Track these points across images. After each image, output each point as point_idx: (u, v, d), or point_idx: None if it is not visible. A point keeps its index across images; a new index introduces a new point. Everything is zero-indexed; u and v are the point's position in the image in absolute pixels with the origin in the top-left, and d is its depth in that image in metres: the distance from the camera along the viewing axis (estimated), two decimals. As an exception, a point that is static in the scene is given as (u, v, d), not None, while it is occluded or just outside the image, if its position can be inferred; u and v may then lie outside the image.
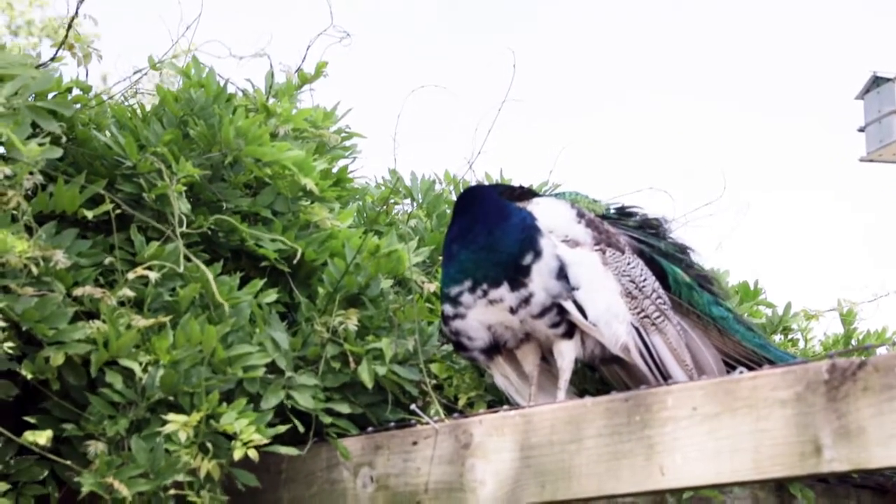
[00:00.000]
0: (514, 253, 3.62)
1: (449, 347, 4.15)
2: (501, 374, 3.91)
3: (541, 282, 3.62)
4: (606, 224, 3.90)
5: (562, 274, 3.61)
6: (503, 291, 3.64)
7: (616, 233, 3.89)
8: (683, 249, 4.15)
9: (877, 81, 20.19)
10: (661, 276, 4.02)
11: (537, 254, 3.62)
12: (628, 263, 3.80)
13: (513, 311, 3.65)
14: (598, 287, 3.67)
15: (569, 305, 3.62)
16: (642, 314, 3.75)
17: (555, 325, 3.68)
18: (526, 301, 3.63)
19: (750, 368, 4.00)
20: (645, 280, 3.83)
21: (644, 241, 4.09)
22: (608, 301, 3.68)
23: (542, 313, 3.65)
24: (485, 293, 3.65)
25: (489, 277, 3.64)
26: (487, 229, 3.64)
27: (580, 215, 3.79)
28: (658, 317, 3.81)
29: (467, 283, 3.67)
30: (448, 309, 3.75)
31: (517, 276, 3.62)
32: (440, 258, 4.40)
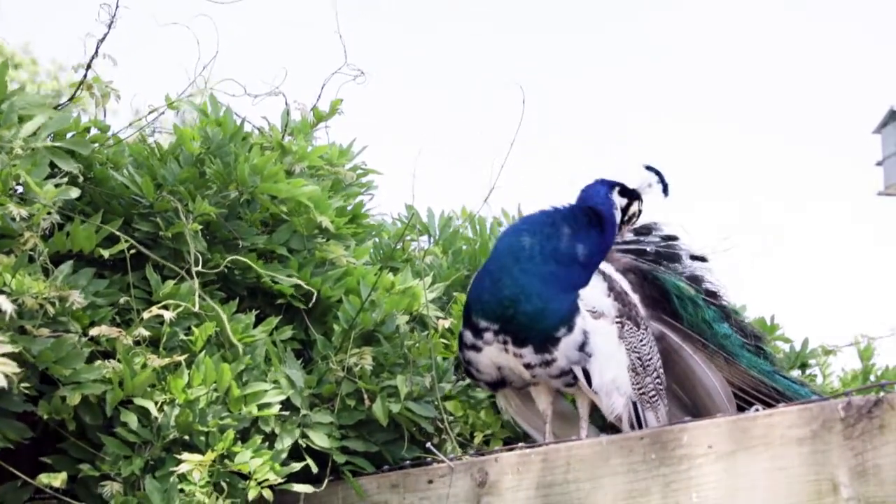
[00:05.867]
0: (552, 326, 3.69)
1: (464, 383, 4.15)
2: (504, 398, 4.00)
3: (565, 351, 3.70)
4: (631, 296, 3.96)
5: (584, 345, 3.71)
6: (526, 351, 3.70)
7: (636, 303, 3.96)
8: (672, 255, 4.20)
9: (894, 116, 20.13)
10: (663, 294, 4.07)
11: (570, 329, 3.70)
12: (640, 340, 3.89)
13: (529, 367, 3.72)
14: (609, 358, 3.77)
15: (578, 371, 3.72)
16: (642, 390, 3.87)
17: (569, 385, 3.79)
18: (547, 364, 3.71)
19: (759, 401, 4.02)
20: (651, 359, 3.93)
21: (642, 254, 4.15)
22: (615, 373, 3.78)
23: (560, 375, 3.74)
24: (505, 343, 3.69)
25: (518, 339, 3.70)
26: (541, 300, 3.67)
27: (610, 289, 3.86)
28: (654, 396, 3.91)
29: (494, 327, 3.71)
30: (468, 336, 3.78)
31: (545, 343, 3.69)
32: (455, 294, 4.40)
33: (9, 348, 3.07)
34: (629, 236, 4.16)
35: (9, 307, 3.15)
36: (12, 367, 3.04)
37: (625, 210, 3.96)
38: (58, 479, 3.17)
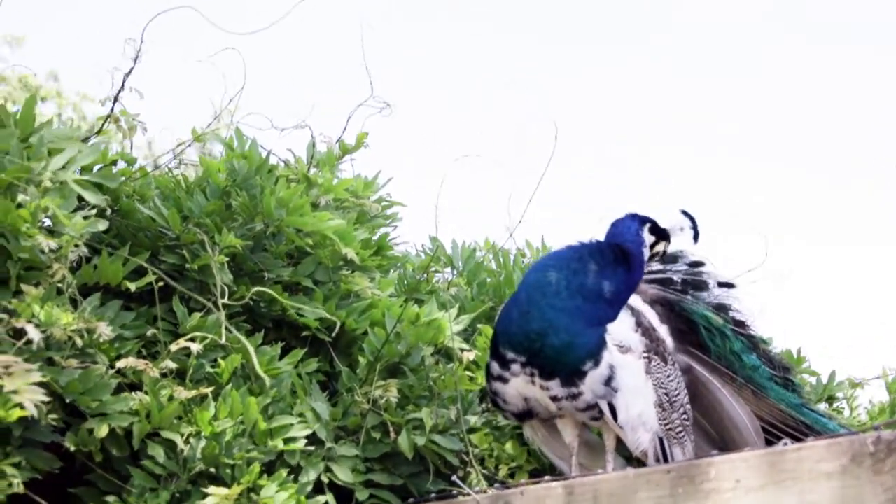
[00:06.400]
0: (579, 360, 3.70)
1: (490, 415, 4.15)
2: (531, 429, 4.00)
3: (591, 384, 3.70)
4: (659, 330, 3.96)
5: (610, 379, 3.71)
6: (553, 384, 3.71)
7: (664, 339, 3.95)
8: (700, 283, 4.20)
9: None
10: (691, 325, 4.07)
11: (596, 363, 3.70)
12: (668, 376, 3.89)
13: (556, 399, 3.72)
14: (636, 393, 3.77)
15: (603, 406, 3.72)
16: (668, 426, 3.86)
17: (594, 419, 3.79)
18: (573, 397, 3.72)
19: (787, 434, 3.99)
20: (678, 394, 3.92)
21: (669, 283, 4.15)
22: (641, 409, 3.78)
23: (586, 409, 3.74)
24: (532, 375, 3.70)
25: (545, 371, 3.71)
26: (568, 334, 3.69)
27: (638, 324, 3.87)
28: (681, 432, 3.90)
29: (522, 359, 3.71)
30: (495, 367, 3.78)
31: (572, 377, 3.70)
32: (480, 326, 4.40)
33: (37, 377, 3.08)
34: (656, 266, 4.16)
35: (37, 336, 3.17)
36: (42, 396, 3.05)
37: (651, 246, 3.96)
38: (85, 513, 3.18)
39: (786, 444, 3.14)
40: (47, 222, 3.65)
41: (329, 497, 3.60)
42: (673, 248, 4.06)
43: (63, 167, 3.64)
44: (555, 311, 3.69)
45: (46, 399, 3.08)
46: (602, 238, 3.96)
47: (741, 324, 4.14)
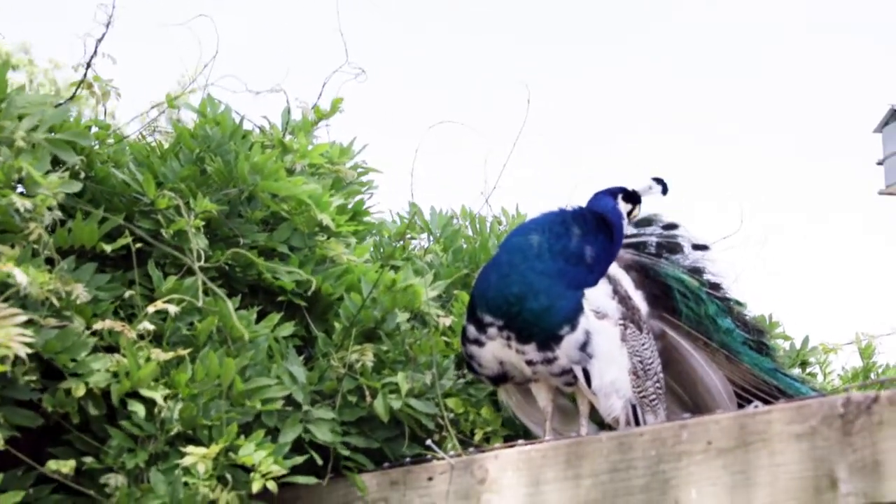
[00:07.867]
0: (556, 324, 3.71)
1: (465, 381, 4.17)
2: (505, 393, 4.05)
3: (567, 349, 3.72)
4: (634, 298, 3.98)
5: (586, 345, 3.73)
6: (529, 348, 3.74)
7: (639, 307, 3.98)
8: (674, 245, 4.25)
9: (895, 115, 20.19)
10: (665, 290, 4.10)
11: (573, 327, 3.71)
12: (643, 344, 3.92)
13: (531, 363, 3.74)
14: (611, 360, 3.80)
15: (578, 371, 3.74)
16: (642, 394, 3.90)
17: (568, 385, 3.82)
18: (548, 361, 3.74)
19: (760, 399, 4.04)
20: (652, 362, 3.96)
21: (644, 247, 4.19)
22: (615, 376, 3.81)
23: (560, 374, 3.76)
24: (509, 339, 3.71)
25: (522, 335, 3.72)
26: (548, 297, 3.70)
27: (615, 292, 3.90)
28: (654, 399, 3.94)
29: (499, 322, 3.72)
30: (472, 330, 3.80)
31: (548, 341, 3.72)
32: (455, 292, 4.42)
33: (23, 319, 3.06)
34: (630, 230, 4.19)
35: (24, 279, 3.15)
36: (29, 339, 3.04)
37: (629, 214, 4.01)
38: (66, 467, 3.18)
39: (756, 406, 3.17)
40: (19, 189, 3.63)
41: (313, 454, 3.62)
42: (646, 210, 4.11)
43: (34, 128, 3.62)
44: (535, 274, 3.70)
45: (32, 341, 3.06)
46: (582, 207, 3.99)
47: (716, 286, 4.18)
